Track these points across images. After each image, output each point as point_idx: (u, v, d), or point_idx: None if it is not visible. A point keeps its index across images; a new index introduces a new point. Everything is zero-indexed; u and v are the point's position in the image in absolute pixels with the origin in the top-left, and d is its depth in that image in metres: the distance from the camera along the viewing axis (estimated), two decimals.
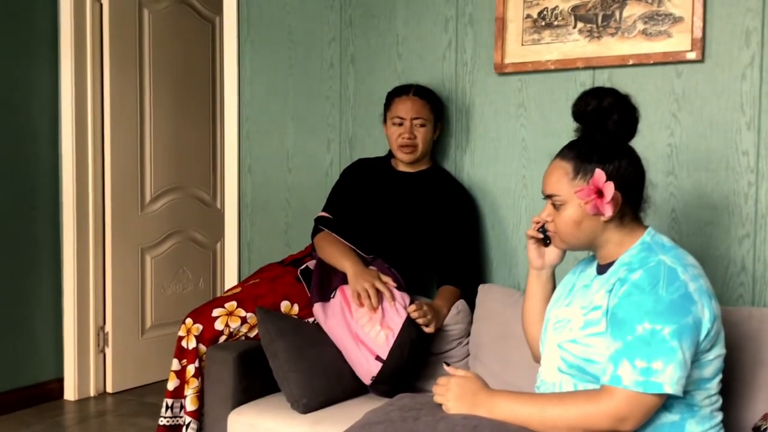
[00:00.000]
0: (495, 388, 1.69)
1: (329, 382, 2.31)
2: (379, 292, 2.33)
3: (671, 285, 1.53)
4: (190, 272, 4.28)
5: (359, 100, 2.89)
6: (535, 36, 2.56)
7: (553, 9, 2.53)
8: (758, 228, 2.28)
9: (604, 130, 1.68)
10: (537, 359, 1.92)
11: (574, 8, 2.49)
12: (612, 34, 2.44)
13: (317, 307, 2.40)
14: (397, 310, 2.30)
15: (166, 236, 4.11)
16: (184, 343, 2.45)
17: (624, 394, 1.51)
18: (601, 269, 1.71)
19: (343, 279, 2.45)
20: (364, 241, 2.57)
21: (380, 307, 2.31)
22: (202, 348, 2.45)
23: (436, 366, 2.41)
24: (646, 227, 1.71)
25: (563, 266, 1.95)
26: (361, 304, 2.32)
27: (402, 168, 2.65)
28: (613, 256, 1.68)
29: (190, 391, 2.45)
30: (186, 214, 4.23)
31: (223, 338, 2.46)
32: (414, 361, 2.32)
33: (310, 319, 2.52)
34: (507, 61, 2.61)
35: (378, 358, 2.24)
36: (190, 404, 2.45)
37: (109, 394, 3.82)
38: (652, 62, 2.39)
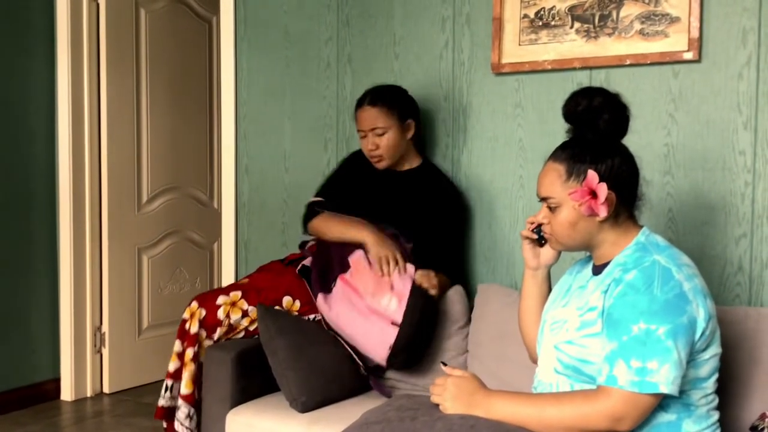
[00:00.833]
0: (492, 388, 1.70)
1: (328, 381, 2.32)
2: (396, 263, 2.38)
3: (666, 285, 1.54)
4: (187, 272, 4.27)
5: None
6: (532, 36, 2.56)
7: (550, 9, 2.53)
8: (755, 228, 2.28)
9: (595, 129, 1.68)
10: (534, 360, 1.93)
11: (571, 8, 2.50)
12: (609, 34, 2.44)
13: (320, 299, 2.42)
14: (402, 279, 2.34)
15: (163, 236, 4.10)
16: (186, 326, 2.46)
17: (620, 395, 1.51)
18: (597, 270, 1.71)
19: (342, 267, 2.46)
20: None
21: (389, 277, 2.36)
22: (203, 334, 2.45)
23: (434, 363, 2.41)
24: (641, 227, 1.71)
25: (559, 267, 1.95)
26: (380, 272, 2.35)
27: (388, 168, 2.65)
28: (609, 256, 1.69)
29: (186, 375, 2.45)
30: (183, 214, 4.22)
31: (222, 329, 2.47)
32: (426, 324, 2.34)
33: (311, 316, 2.53)
34: (504, 61, 2.61)
35: (393, 323, 2.27)
36: (184, 387, 2.44)
37: (106, 394, 3.81)
38: (649, 62, 2.39)
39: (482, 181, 2.69)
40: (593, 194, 1.62)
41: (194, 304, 2.48)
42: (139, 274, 3.97)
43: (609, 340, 1.55)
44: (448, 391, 1.67)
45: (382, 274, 2.36)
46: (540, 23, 2.55)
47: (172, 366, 2.49)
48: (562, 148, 1.70)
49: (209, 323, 2.46)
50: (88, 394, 3.77)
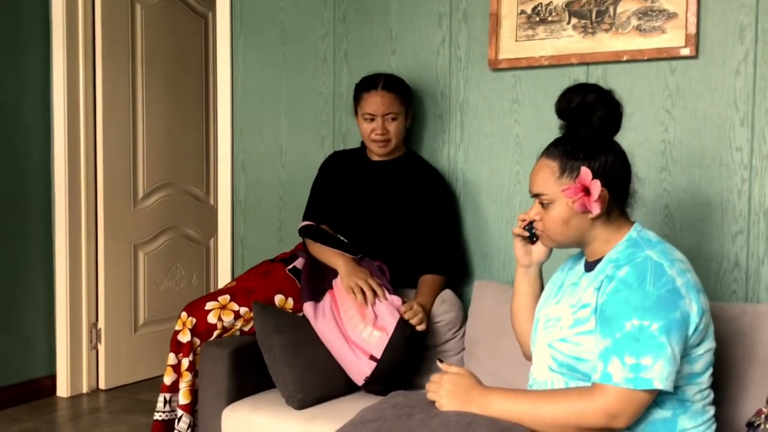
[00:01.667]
0: (488, 385, 1.69)
1: (324, 378, 2.31)
2: (372, 290, 2.35)
3: (658, 280, 1.54)
4: (183, 269, 4.26)
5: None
6: (529, 32, 2.56)
7: (547, 5, 2.52)
8: (751, 224, 2.28)
9: (588, 126, 1.68)
10: (527, 356, 1.93)
11: (568, 4, 2.49)
12: (606, 30, 2.44)
13: (308, 306, 2.40)
14: (389, 311, 2.31)
15: (159, 232, 4.10)
16: (179, 337, 2.45)
17: (615, 391, 1.51)
18: (589, 266, 1.71)
19: (333, 279, 2.47)
20: (346, 232, 2.60)
21: (372, 308, 2.33)
22: (196, 341, 2.45)
23: (430, 361, 2.41)
24: (632, 222, 1.71)
25: (552, 264, 1.95)
26: (355, 300, 2.33)
27: (377, 158, 2.66)
28: (601, 252, 1.69)
29: (183, 385, 2.45)
30: (179, 211, 4.22)
31: (216, 332, 2.46)
32: (408, 360, 2.32)
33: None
34: (501, 57, 2.60)
35: (372, 357, 2.25)
36: (182, 398, 2.45)
37: (102, 390, 3.81)
38: (646, 58, 2.38)
39: (479, 177, 2.69)
40: (586, 191, 1.61)
41: (183, 314, 2.47)
42: (135, 271, 3.96)
43: (603, 337, 1.55)
44: (444, 388, 1.67)
45: (354, 301, 2.35)
46: (537, 19, 2.54)
47: (168, 379, 2.48)
48: (555, 144, 1.70)
49: (201, 330, 2.45)
50: (84, 391, 3.77)
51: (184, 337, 2.44)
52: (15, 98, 3.53)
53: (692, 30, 2.30)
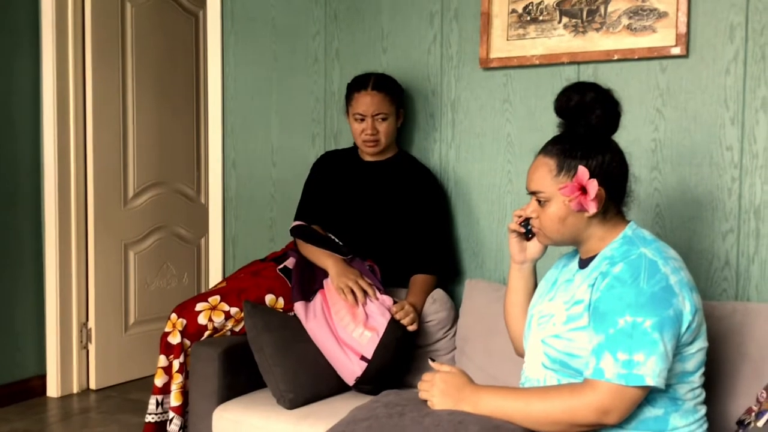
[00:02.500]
0: (480, 383, 1.69)
1: (315, 377, 2.31)
2: (362, 291, 2.35)
3: (652, 278, 1.54)
4: (174, 268, 4.25)
5: (344, 94, 2.88)
6: (521, 31, 2.56)
7: (538, 4, 2.52)
8: (742, 223, 2.29)
9: (586, 124, 1.68)
10: (520, 353, 1.93)
11: (559, 3, 2.49)
12: (597, 29, 2.44)
13: (298, 306, 2.40)
14: (380, 311, 2.31)
15: (150, 231, 4.08)
16: (169, 339, 2.44)
17: (607, 387, 1.51)
18: (583, 263, 1.72)
19: (323, 279, 2.46)
20: (338, 232, 2.60)
21: (363, 308, 2.32)
22: (187, 343, 2.44)
23: (421, 360, 2.41)
24: (628, 221, 1.71)
25: (546, 261, 1.95)
26: (345, 301, 2.32)
27: (369, 158, 2.66)
28: (595, 250, 1.69)
29: (174, 387, 2.44)
30: (170, 210, 4.20)
31: (207, 333, 2.45)
32: (399, 360, 2.32)
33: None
34: (492, 56, 2.61)
35: (363, 358, 2.25)
36: (174, 400, 2.44)
37: (93, 390, 3.79)
38: (636, 57, 2.39)
39: (470, 176, 2.69)
40: (583, 190, 1.62)
41: (173, 316, 2.46)
42: (125, 270, 3.95)
43: (596, 333, 1.56)
44: (436, 386, 1.67)
45: (345, 301, 2.34)
46: (528, 18, 2.55)
47: (159, 381, 2.47)
48: (553, 142, 1.70)
49: (191, 331, 2.44)
50: (75, 391, 3.75)
51: (174, 339, 2.43)
52: (4, 97, 3.51)
53: (683, 29, 2.31)
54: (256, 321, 2.32)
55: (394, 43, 2.82)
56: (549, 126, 2.50)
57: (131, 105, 3.93)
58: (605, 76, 2.43)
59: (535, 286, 1.91)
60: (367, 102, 2.55)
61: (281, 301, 2.52)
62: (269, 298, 2.51)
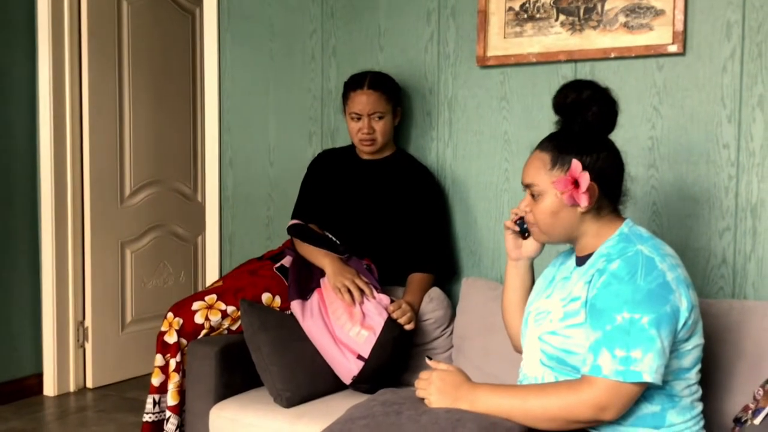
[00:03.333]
0: (477, 381, 1.69)
1: (312, 376, 2.31)
2: (359, 290, 2.34)
3: (649, 274, 1.54)
4: (171, 266, 4.25)
5: (341, 93, 2.88)
6: (518, 29, 2.56)
7: (535, 2, 2.52)
8: (738, 221, 2.29)
9: (583, 122, 1.68)
10: (518, 350, 1.93)
11: (556, 1, 2.49)
12: (594, 27, 2.44)
13: (295, 305, 2.39)
14: (377, 310, 2.31)
15: (147, 230, 4.08)
16: (166, 338, 2.43)
17: (604, 384, 1.52)
18: (580, 261, 1.72)
19: (320, 278, 2.46)
20: (335, 231, 2.60)
21: (360, 307, 2.32)
22: (183, 342, 2.43)
23: (418, 358, 2.41)
24: (624, 219, 1.72)
25: (543, 259, 1.96)
26: (342, 300, 2.32)
27: (366, 156, 2.65)
28: (591, 247, 1.69)
29: (171, 386, 2.44)
30: (166, 208, 4.20)
31: (204, 332, 2.45)
32: (396, 359, 2.32)
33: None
34: (489, 54, 2.60)
35: (360, 357, 2.24)
36: (171, 399, 2.44)
37: (90, 389, 3.79)
38: (633, 55, 2.39)
39: (468, 174, 2.69)
40: (576, 183, 1.62)
41: (170, 315, 2.46)
42: (122, 268, 3.94)
43: (593, 330, 1.56)
44: (433, 384, 1.66)
45: (341, 301, 2.34)
46: (525, 16, 2.54)
47: (156, 381, 2.46)
48: (549, 138, 1.71)
49: (188, 331, 2.43)
50: (71, 389, 3.75)
51: (171, 338, 2.43)
52: (0, 94, 3.49)
53: (679, 27, 2.31)
54: (252, 320, 2.32)
55: (391, 41, 2.81)
56: (546, 124, 2.51)
57: (128, 103, 3.92)
58: (602, 74, 2.43)
59: (533, 283, 1.91)
60: (363, 101, 2.54)
61: (278, 300, 2.52)
62: (266, 297, 2.51)
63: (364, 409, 1.70)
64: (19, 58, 3.56)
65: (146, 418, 2.49)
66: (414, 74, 2.75)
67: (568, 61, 2.49)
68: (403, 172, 2.62)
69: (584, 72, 2.46)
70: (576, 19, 2.47)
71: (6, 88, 3.52)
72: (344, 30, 2.91)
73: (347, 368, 2.27)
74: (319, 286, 2.45)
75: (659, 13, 2.34)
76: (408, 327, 2.31)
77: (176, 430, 2.43)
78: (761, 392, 1.76)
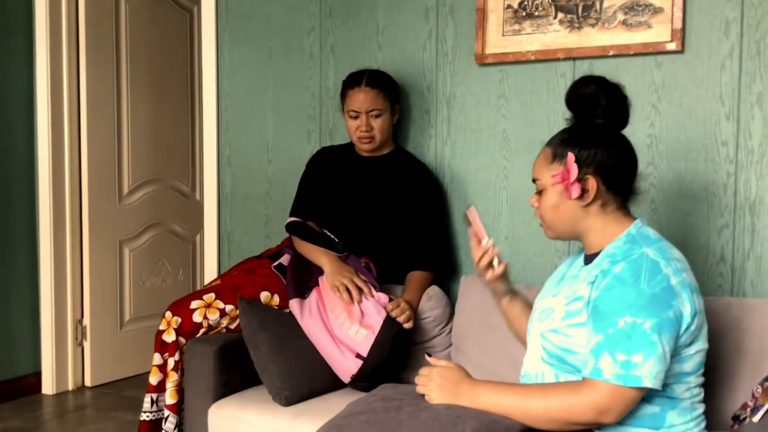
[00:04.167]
0: (477, 379, 1.69)
1: (311, 374, 2.31)
2: (357, 288, 2.34)
3: (653, 278, 1.53)
4: (169, 265, 4.24)
5: (339, 90, 2.88)
6: (516, 26, 2.56)
7: None
8: (737, 218, 2.29)
9: (591, 117, 1.68)
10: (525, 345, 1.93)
11: None
12: (592, 25, 2.44)
13: (294, 303, 2.39)
14: (376, 308, 2.31)
15: (145, 228, 4.07)
16: (164, 337, 2.43)
17: (604, 387, 1.51)
18: (588, 259, 1.71)
19: (319, 276, 2.46)
20: (334, 229, 2.60)
21: (359, 306, 2.32)
22: (182, 341, 2.43)
23: (417, 356, 2.41)
24: (634, 219, 1.70)
25: (552, 260, 1.95)
26: (341, 299, 2.32)
27: (365, 154, 2.65)
28: (599, 246, 1.68)
29: (169, 385, 2.43)
30: (165, 206, 4.19)
31: (202, 331, 2.45)
32: (394, 358, 2.32)
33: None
34: (488, 51, 2.60)
35: (358, 356, 2.24)
36: (169, 398, 2.43)
37: (88, 387, 3.78)
38: (632, 53, 2.39)
39: (466, 172, 2.69)
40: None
41: (168, 314, 2.45)
42: (120, 267, 3.94)
43: (595, 333, 1.55)
44: (433, 381, 1.66)
45: (340, 299, 2.34)
46: (523, 13, 2.54)
47: (154, 380, 2.46)
48: (558, 134, 1.72)
49: (186, 329, 2.43)
50: (70, 388, 3.74)
51: (169, 337, 2.42)
52: None
53: (678, 25, 2.31)
54: (251, 318, 2.32)
55: (390, 38, 2.81)
56: (544, 122, 2.52)
57: (126, 101, 3.92)
58: (601, 72, 2.41)
59: (529, 305, 1.93)
60: (361, 99, 2.54)
61: (276, 299, 2.52)
62: (264, 296, 2.51)
63: (364, 404, 1.70)
64: (17, 57, 3.55)
65: (144, 417, 2.48)
66: (412, 72, 2.75)
67: (566, 59, 2.49)
68: (402, 169, 2.62)
69: (583, 70, 2.46)
70: (574, 16, 2.47)
71: (3, 86, 3.51)
72: (342, 28, 2.91)
73: (346, 367, 2.27)
74: (317, 284, 2.45)
75: (658, 10, 2.34)
76: (407, 325, 2.31)
77: (175, 429, 2.43)
78: (760, 390, 1.76)
